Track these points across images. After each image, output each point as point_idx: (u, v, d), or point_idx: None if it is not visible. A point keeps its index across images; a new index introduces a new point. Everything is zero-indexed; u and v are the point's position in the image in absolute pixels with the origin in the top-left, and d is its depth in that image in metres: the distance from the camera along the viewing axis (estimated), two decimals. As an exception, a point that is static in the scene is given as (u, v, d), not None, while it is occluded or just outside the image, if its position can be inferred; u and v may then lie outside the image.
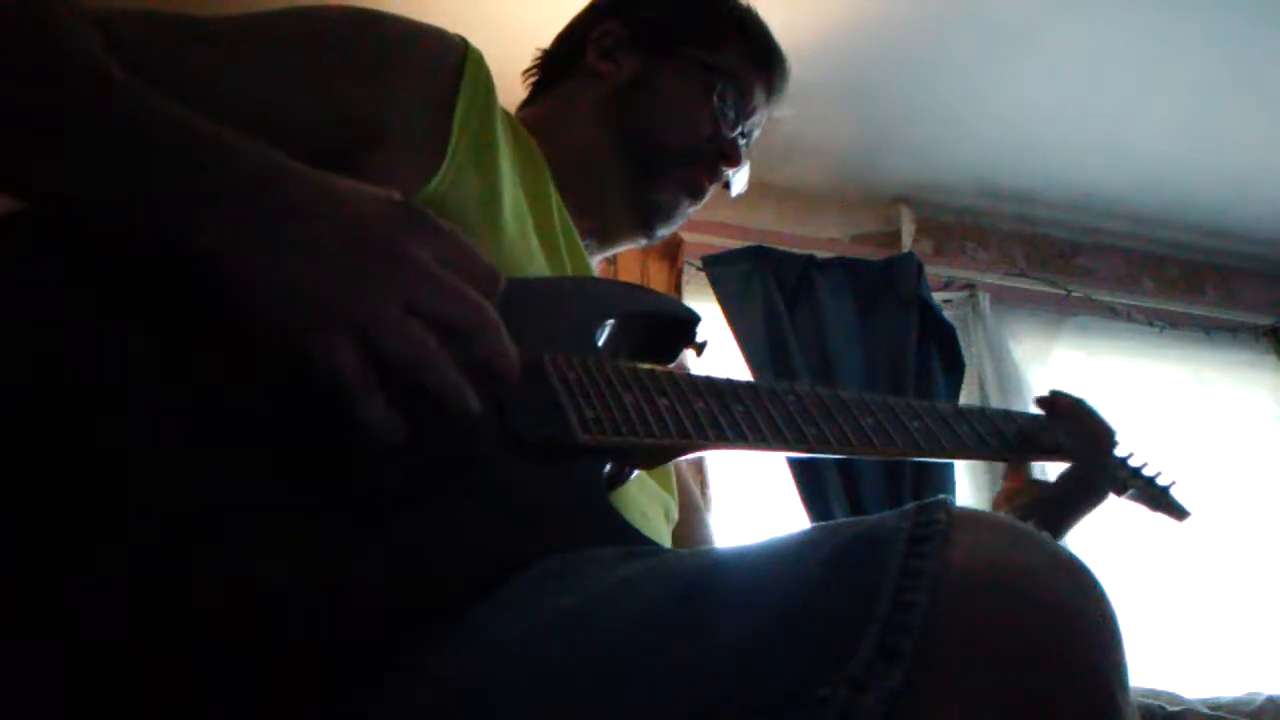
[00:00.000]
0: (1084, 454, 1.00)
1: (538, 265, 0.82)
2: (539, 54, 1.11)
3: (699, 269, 2.63)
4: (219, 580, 0.49)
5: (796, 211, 2.87)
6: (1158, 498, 1.06)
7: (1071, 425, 1.02)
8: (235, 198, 0.57)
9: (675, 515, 0.91)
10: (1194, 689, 2.31)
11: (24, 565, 0.47)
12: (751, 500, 2.47)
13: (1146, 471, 1.07)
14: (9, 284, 0.54)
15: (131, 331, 0.55)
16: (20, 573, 0.46)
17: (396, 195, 0.60)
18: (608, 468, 0.65)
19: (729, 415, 0.71)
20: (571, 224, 0.94)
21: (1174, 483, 1.07)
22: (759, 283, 2.60)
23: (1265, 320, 3.24)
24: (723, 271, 2.61)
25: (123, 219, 0.57)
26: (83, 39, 0.61)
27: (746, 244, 2.67)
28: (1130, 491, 1.05)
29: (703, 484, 2.37)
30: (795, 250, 2.71)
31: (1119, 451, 1.06)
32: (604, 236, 1.03)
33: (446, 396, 0.54)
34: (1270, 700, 2.25)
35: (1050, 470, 1.04)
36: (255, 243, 0.55)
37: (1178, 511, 1.06)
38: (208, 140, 0.58)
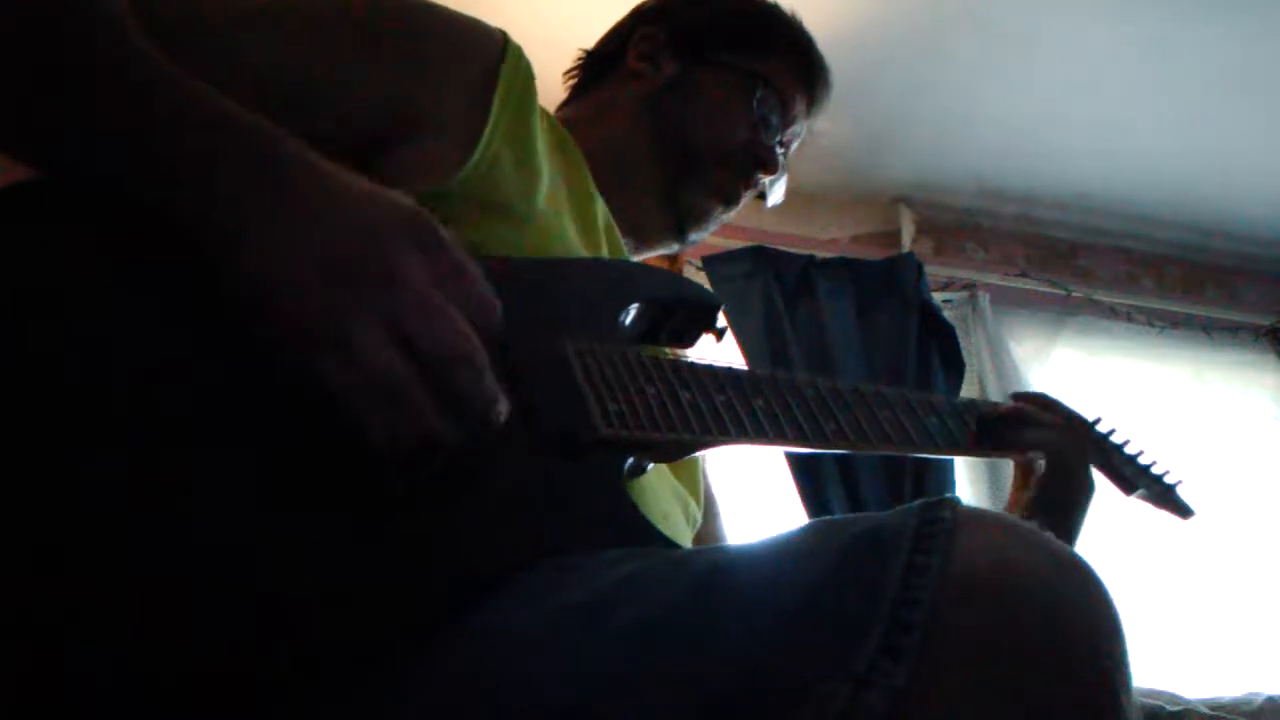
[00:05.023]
0: (1059, 443, 0.98)
1: (574, 251, 0.82)
2: (580, 55, 1.11)
3: (699, 269, 2.63)
4: (232, 582, 0.49)
5: (796, 211, 2.87)
6: (1163, 495, 1.06)
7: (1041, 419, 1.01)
8: (234, 179, 0.56)
9: (698, 516, 0.91)
10: (1194, 689, 2.31)
11: (29, 562, 0.46)
12: (750, 498, 2.47)
13: (1155, 470, 1.07)
14: (17, 267, 0.53)
15: (139, 323, 0.54)
16: (25, 571, 0.46)
17: (411, 202, 0.58)
18: (629, 462, 0.64)
19: (750, 410, 0.71)
20: (612, 220, 0.94)
21: (1180, 481, 1.07)
22: (759, 283, 2.60)
23: (1265, 320, 3.24)
24: (723, 271, 2.61)
25: (124, 190, 0.56)
26: (112, 11, 0.60)
27: (746, 244, 2.67)
28: (1140, 490, 1.06)
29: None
30: (795, 250, 2.71)
31: (1129, 449, 1.07)
32: (638, 237, 1.03)
33: (411, 432, 0.52)
34: (1270, 700, 2.25)
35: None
36: (245, 229, 0.54)
37: (1182, 510, 1.07)
38: (223, 119, 0.57)
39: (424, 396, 0.52)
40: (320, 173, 0.57)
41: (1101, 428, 1.08)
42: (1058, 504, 0.96)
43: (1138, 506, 1.08)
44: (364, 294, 0.53)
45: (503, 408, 0.55)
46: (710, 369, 0.73)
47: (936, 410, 0.85)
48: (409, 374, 0.52)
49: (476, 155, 0.74)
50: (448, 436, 0.53)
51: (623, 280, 0.79)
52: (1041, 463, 0.96)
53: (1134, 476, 1.06)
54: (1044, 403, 1.01)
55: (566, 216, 0.84)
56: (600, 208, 0.91)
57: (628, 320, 0.75)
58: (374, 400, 0.51)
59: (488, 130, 0.75)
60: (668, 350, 0.83)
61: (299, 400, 0.54)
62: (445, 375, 0.53)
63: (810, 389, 0.76)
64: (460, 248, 0.58)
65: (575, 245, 0.82)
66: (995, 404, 0.98)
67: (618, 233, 0.94)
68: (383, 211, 0.57)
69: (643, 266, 0.85)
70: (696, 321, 0.81)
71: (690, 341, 0.81)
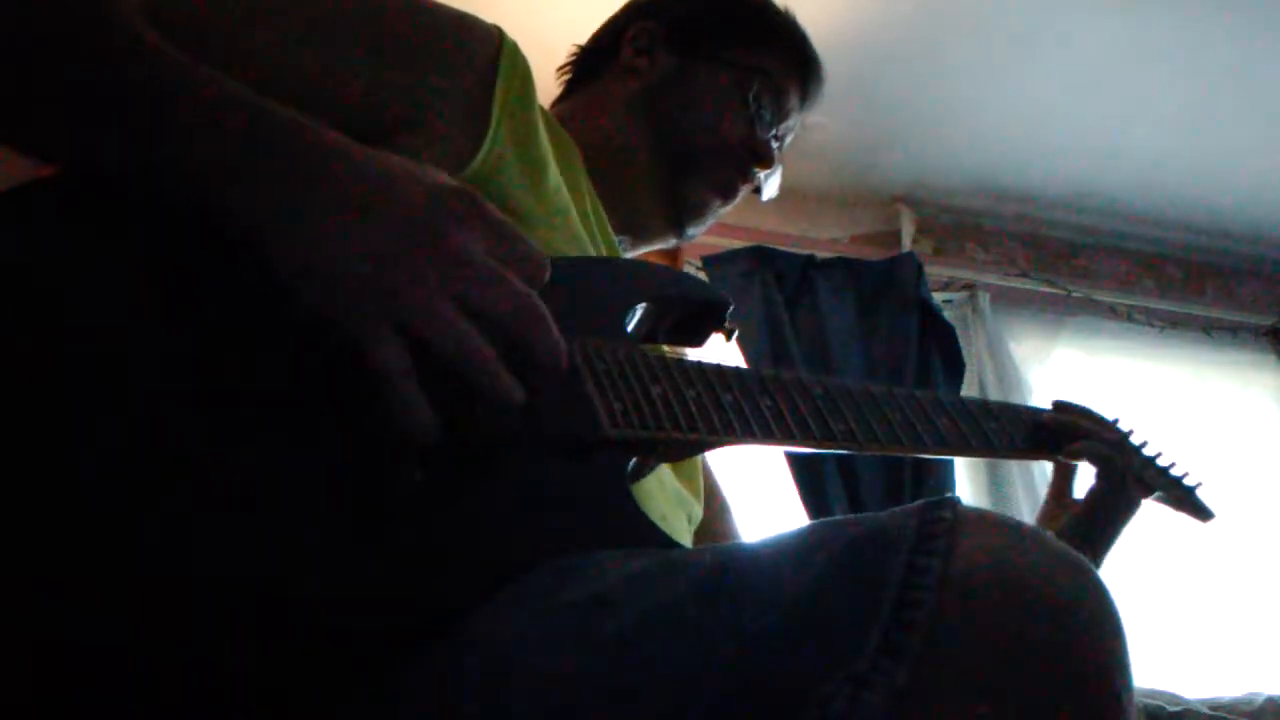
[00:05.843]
0: (1107, 462, 1.00)
1: (582, 248, 0.82)
2: (574, 50, 1.11)
3: (699, 269, 2.63)
4: (239, 578, 0.49)
5: (796, 211, 2.87)
6: (1183, 498, 1.06)
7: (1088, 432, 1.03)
8: (280, 170, 0.56)
9: (699, 516, 0.91)
10: (1194, 689, 2.31)
11: (29, 561, 0.46)
12: (750, 498, 2.47)
13: (1174, 471, 1.07)
14: (36, 258, 0.53)
15: (142, 323, 0.54)
16: (26, 570, 0.46)
17: (447, 178, 0.59)
18: (633, 461, 0.64)
19: (757, 409, 0.70)
20: (605, 218, 0.94)
21: (1200, 484, 1.06)
22: (759, 283, 2.60)
23: (1265, 320, 3.24)
24: (723, 271, 2.61)
25: (157, 186, 0.56)
26: (126, 11, 0.60)
27: (746, 244, 2.67)
28: (1158, 493, 1.05)
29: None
30: (795, 250, 2.71)
31: (1147, 451, 1.06)
32: (636, 233, 1.03)
33: (498, 396, 0.55)
34: (1270, 700, 2.25)
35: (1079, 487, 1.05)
36: (299, 220, 0.54)
37: (1202, 512, 1.06)
38: (257, 112, 0.57)
39: (501, 364, 0.55)
40: (354, 155, 0.58)
41: (1120, 428, 1.07)
42: (1108, 517, 0.96)
43: (1154, 509, 1.07)
44: (427, 271, 0.54)
45: (564, 358, 0.58)
46: (717, 368, 0.72)
47: (947, 411, 0.84)
48: (483, 342, 0.54)
49: (481, 154, 0.74)
50: (523, 400, 0.55)
51: (629, 279, 0.79)
52: (1077, 466, 0.97)
53: (1152, 479, 1.05)
54: (1094, 418, 1.02)
55: (573, 212, 0.84)
56: (593, 206, 0.91)
57: (634, 319, 0.74)
58: (460, 372, 0.54)
59: (491, 130, 0.75)
60: (669, 349, 0.83)
61: (307, 399, 0.54)
62: (516, 337, 0.56)
63: (818, 389, 0.75)
64: (501, 214, 0.60)
65: (584, 241, 0.83)
66: (1040, 410, 0.99)
67: (610, 230, 0.94)
68: (429, 187, 0.58)
69: (649, 265, 0.85)
70: (705, 320, 0.81)
71: (699, 341, 0.81)
